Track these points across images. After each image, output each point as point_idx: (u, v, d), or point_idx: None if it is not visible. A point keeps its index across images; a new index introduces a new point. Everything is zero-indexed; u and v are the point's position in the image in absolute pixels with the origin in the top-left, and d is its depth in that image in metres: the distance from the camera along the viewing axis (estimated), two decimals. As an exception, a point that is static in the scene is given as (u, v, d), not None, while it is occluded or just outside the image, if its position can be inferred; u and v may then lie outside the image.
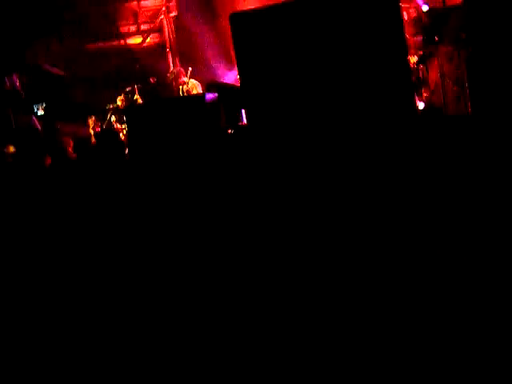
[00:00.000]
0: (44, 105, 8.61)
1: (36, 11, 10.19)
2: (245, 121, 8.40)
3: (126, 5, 11.69)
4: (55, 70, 9.95)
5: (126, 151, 8.11)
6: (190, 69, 9.91)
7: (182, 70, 10.06)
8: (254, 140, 5.01)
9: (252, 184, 5.28)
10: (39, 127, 8.89)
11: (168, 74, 10.61)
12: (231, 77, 9.44)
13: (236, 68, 10.17)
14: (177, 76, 10.01)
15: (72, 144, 7.85)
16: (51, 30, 10.19)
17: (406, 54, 4.85)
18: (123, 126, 9.53)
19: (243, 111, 8.40)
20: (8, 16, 9.99)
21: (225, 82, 8.47)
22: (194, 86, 9.53)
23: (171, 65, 11.24)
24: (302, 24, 4.60)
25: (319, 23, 4.55)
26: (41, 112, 8.70)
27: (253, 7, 6.37)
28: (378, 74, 4.47)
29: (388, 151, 4.45)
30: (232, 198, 5.58)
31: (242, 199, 5.46)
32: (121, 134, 9.35)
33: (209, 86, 8.14)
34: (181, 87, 9.68)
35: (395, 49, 4.49)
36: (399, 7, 4.94)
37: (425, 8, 7.59)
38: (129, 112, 7.23)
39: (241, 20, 4.97)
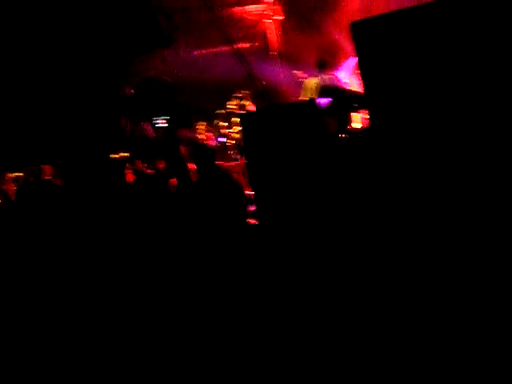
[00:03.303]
0: (166, 118, 8.96)
1: (149, 24, 10.57)
2: (354, 125, 8.35)
3: (232, 10, 11.90)
4: (166, 79, 10.31)
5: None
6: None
7: None
8: (377, 143, 5.01)
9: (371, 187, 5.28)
10: (153, 134, 9.28)
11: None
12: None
13: (340, 71, 10.18)
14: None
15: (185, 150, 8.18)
16: (166, 42, 10.55)
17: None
18: (231, 131, 9.76)
19: (352, 116, 8.36)
20: (121, 28, 10.41)
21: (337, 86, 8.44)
22: None
23: (277, 68, 11.34)
24: (428, 28, 4.55)
25: (446, 26, 4.47)
26: (162, 124, 9.06)
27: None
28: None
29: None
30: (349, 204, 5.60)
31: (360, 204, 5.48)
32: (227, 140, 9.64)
33: (322, 91, 8.15)
34: None
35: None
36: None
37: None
38: (243, 118, 7.42)
39: (363, 27, 5.03)
